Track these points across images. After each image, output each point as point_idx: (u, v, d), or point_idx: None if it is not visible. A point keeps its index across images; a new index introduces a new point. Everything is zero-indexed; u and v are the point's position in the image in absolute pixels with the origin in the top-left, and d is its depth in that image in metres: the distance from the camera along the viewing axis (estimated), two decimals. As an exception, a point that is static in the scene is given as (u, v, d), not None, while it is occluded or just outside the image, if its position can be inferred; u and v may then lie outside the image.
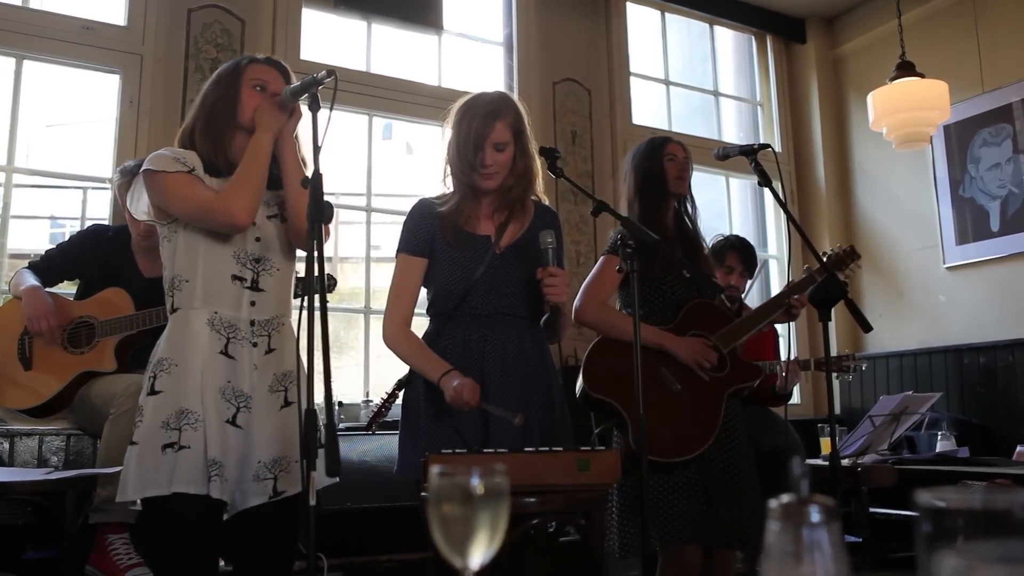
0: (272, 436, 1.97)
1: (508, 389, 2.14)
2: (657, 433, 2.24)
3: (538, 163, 2.26)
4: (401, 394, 2.32)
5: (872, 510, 3.32)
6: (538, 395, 2.20)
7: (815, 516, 0.70)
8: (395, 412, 2.36)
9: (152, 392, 1.93)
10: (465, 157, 2.16)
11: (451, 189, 2.27)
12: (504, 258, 2.21)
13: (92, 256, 2.92)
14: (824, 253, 2.72)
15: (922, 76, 4.02)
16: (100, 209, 3.74)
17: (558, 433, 2.18)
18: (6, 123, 3.45)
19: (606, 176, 4.67)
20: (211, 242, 2.00)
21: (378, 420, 2.66)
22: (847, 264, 2.69)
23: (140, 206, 2.04)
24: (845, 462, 3.17)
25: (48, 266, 2.90)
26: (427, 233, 2.22)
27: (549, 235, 2.10)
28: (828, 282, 2.32)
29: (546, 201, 2.36)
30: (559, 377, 2.30)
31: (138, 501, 1.89)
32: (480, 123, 2.15)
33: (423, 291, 2.28)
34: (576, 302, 2.59)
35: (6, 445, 3.03)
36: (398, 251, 2.25)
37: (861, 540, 3.16)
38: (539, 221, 2.26)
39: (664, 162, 2.66)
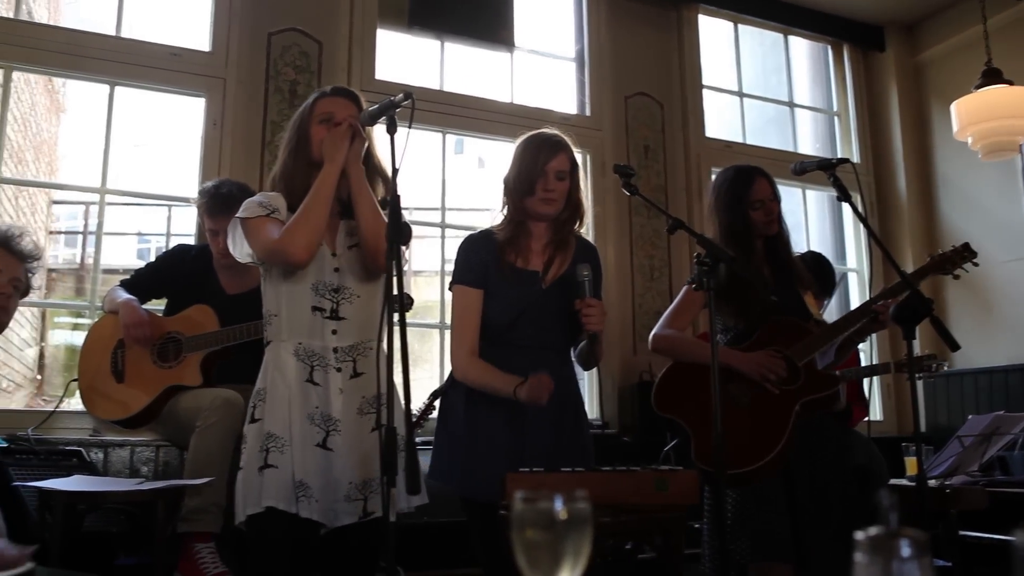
0: (361, 458, 2.03)
1: (544, 413, 2.19)
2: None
3: (585, 203, 2.39)
4: (438, 403, 2.46)
5: (962, 533, 3.20)
6: (569, 420, 2.30)
7: (906, 550, 0.68)
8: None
9: (252, 420, 2.06)
10: (528, 181, 2.26)
11: (504, 221, 2.36)
12: (548, 292, 2.29)
13: (177, 274, 3.04)
14: (933, 255, 2.63)
15: (1010, 83, 3.88)
16: (185, 226, 3.88)
17: (586, 458, 2.28)
18: (100, 148, 3.61)
19: (679, 190, 4.63)
20: (290, 277, 2.09)
21: (416, 429, 2.74)
22: (961, 263, 2.60)
23: (244, 250, 2.15)
24: (932, 483, 3.07)
25: (137, 284, 3.02)
26: (481, 265, 2.29)
27: (585, 268, 2.18)
28: (913, 299, 2.24)
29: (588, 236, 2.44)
30: (584, 405, 2.45)
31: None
32: (547, 152, 2.28)
33: None
34: (654, 330, 2.66)
35: (101, 455, 3.15)
36: (453, 283, 2.32)
37: (951, 565, 3.05)
38: (579, 255, 2.34)
39: (750, 213, 2.61)
